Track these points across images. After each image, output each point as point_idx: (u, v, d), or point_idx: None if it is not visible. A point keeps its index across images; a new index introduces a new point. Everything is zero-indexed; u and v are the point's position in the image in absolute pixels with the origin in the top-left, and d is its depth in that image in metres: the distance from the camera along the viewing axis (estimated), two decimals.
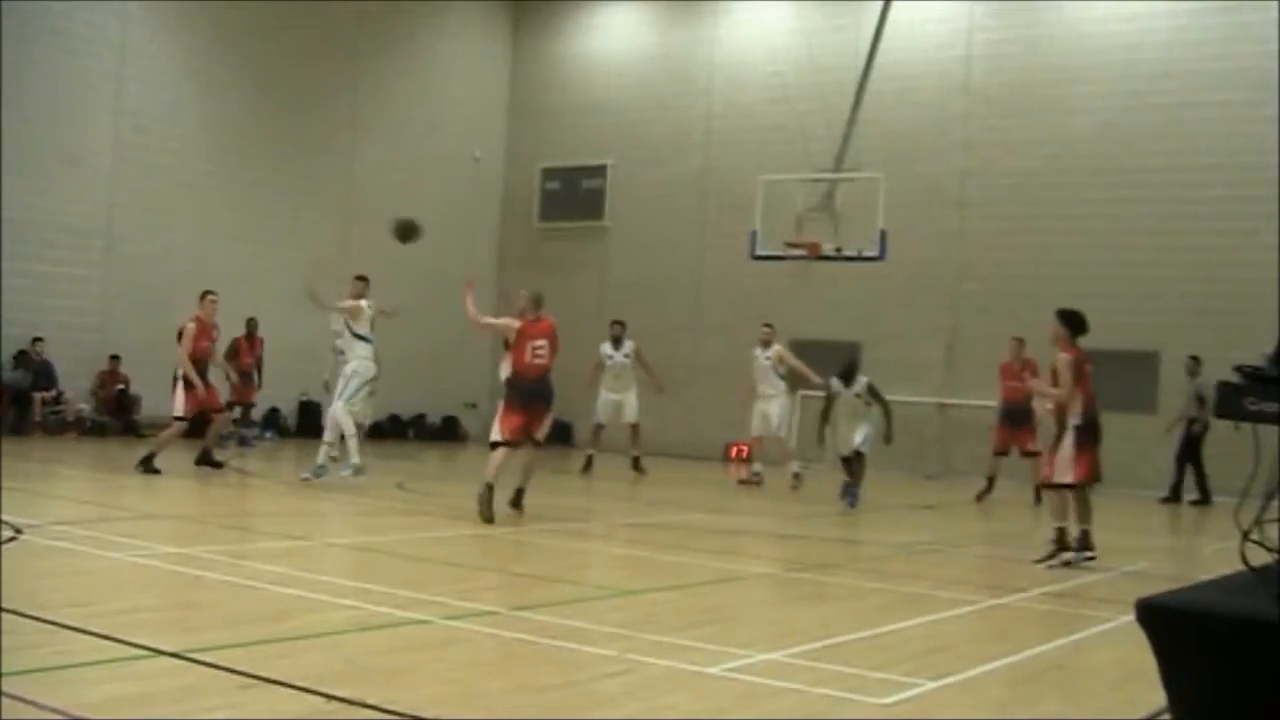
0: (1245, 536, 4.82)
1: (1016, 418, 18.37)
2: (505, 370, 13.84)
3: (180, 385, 17.16)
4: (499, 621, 7.49)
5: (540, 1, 31.36)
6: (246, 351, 22.34)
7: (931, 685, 6.40)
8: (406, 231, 17.13)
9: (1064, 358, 11.60)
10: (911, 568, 11.68)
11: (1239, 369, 4.83)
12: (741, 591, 9.93)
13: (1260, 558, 4.82)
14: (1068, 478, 11.51)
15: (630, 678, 6.28)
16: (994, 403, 19.31)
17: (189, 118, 24.92)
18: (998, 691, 6.60)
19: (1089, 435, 11.54)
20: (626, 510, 15.19)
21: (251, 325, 22.67)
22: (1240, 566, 4.88)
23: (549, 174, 30.83)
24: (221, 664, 5.91)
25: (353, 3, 27.62)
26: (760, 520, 15.66)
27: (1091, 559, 11.48)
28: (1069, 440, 11.48)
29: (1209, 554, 12.24)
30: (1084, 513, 11.64)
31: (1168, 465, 21.69)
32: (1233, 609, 4.56)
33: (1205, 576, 5.74)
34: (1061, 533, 11.63)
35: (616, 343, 20.53)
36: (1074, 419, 11.48)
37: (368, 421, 19.11)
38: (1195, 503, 20.40)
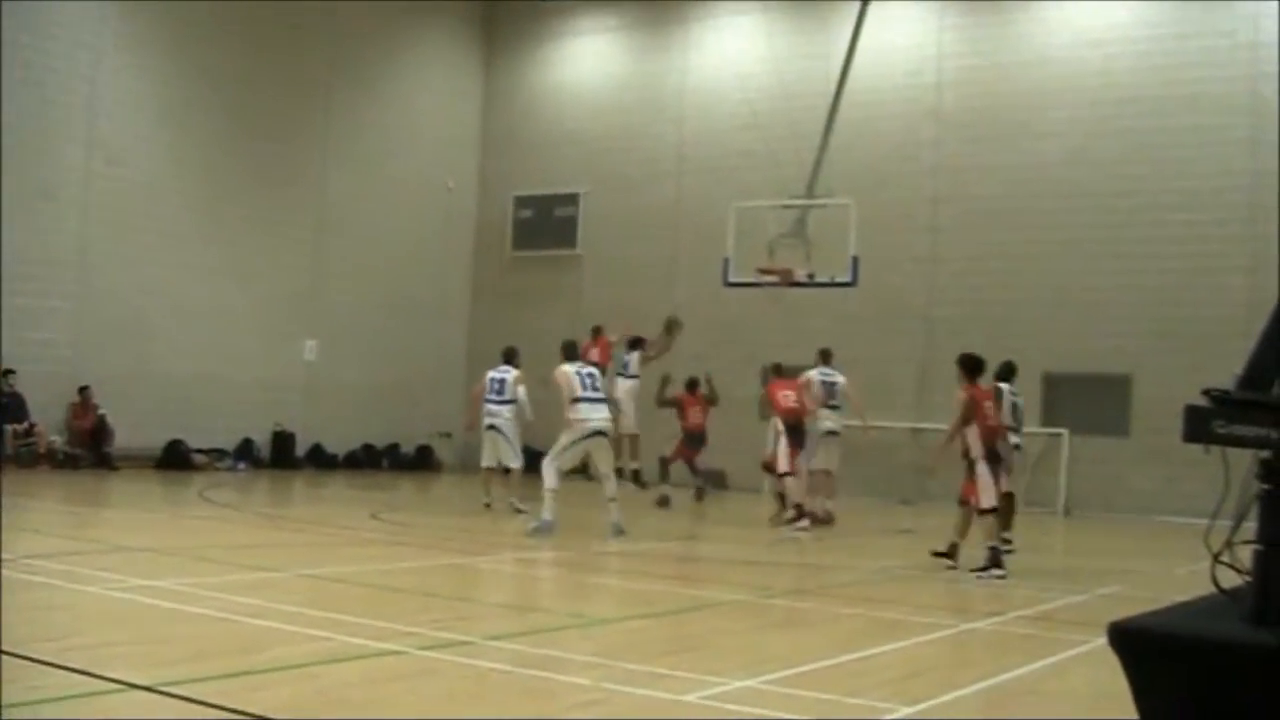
0: (1216, 559, 4.85)
1: None
2: None
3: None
4: (473, 651, 7.47)
5: (512, 32, 31.45)
6: (692, 403, 21.14)
7: (907, 710, 6.41)
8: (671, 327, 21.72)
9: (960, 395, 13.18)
10: (886, 593, 11.70)
11: (1207, 392, 4.86)
12: (715, 618, 9.92)
13: (1231, 580, 4.84)
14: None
15: (605, 707, 6.27)
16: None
17: (161, 150, 24.85)
18: (972, 716, 6.61)
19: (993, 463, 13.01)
20: (600, 538, 15.17)
21: (691, 383, 21.30)
22: (1212, 588, 4.91)
23: (522, 203, 30.85)
24: (195, 697, 5.88)
25: (324, 35, 27.64)
26: (734, 547, 15.66)
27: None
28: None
29: (1181, 576, 12.29)
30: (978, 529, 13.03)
31: (1141, 488, 21.77)
32: (1203, 632, 4.59)
33: (1179, 598, 5.77)
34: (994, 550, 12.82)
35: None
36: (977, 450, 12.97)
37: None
38: None
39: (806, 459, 18.18)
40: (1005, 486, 15.24)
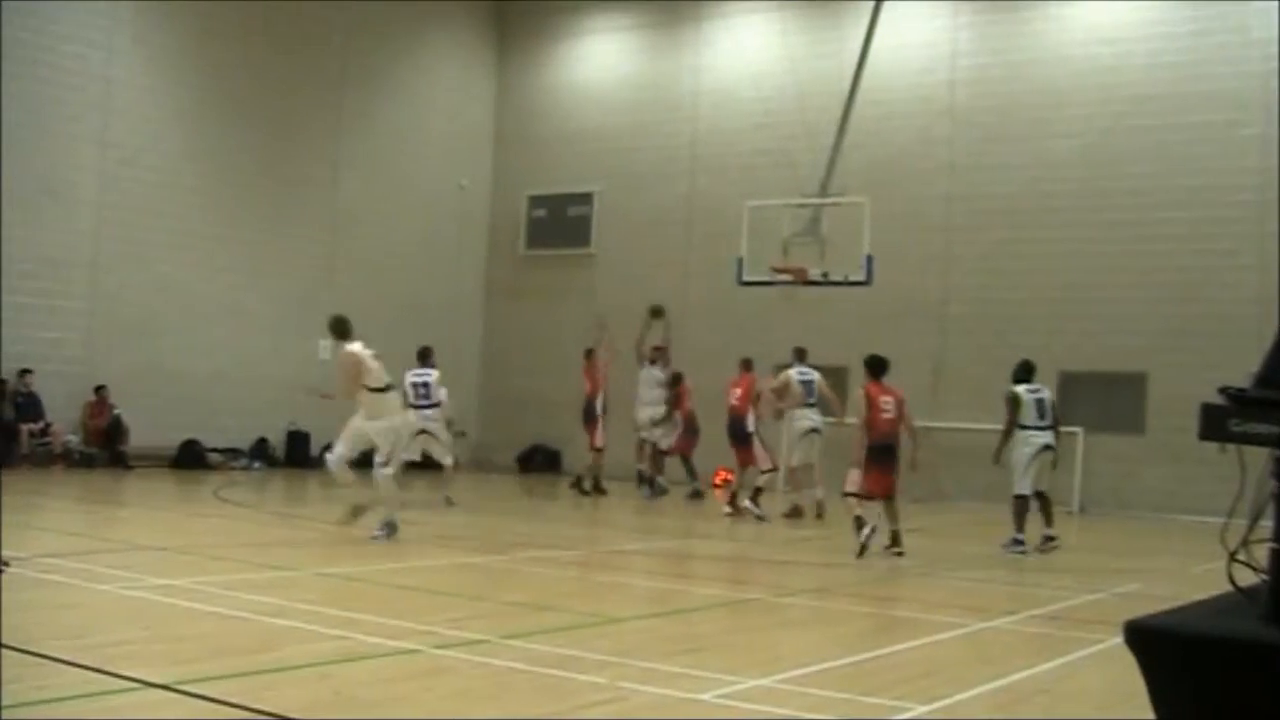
0: (1232, 557, 4.84)
1: None
2: None
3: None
4: (488, 650, 7.47)
5: (525, 31, 31.44)
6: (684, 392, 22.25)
7: (922, 709, 6.40)
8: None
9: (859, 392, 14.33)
10: (900, 591, 11.69)
11: (1223, 390, 4.85)
12: (730, 617, 9.92)
13: (1247, 578, 4.83)
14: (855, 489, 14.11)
15: (620, 705, 6.27)
16: (979, 426, 19.33)
17: (173, 149, 24.87)
18: (987, 715, 6.60)
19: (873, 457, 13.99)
20: (614, 537, 15.18)
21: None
22: (1228, 587, 4.90)
23: (535, 201, 30.83)
24: (211, 695, 5.90)
25: (337, 34, 27.65)
26: (746, 546, 15.65)
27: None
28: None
29: (1197, 574, 12.25)
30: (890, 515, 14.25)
31: (1156, 486, 21.68)
32: (1219, 630, 4.57)
33: (1196, 597, 5.75)
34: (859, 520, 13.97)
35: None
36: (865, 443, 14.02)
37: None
38: None
39: (803, 456, 18.77)
40: (1030, 488, 15.19)
